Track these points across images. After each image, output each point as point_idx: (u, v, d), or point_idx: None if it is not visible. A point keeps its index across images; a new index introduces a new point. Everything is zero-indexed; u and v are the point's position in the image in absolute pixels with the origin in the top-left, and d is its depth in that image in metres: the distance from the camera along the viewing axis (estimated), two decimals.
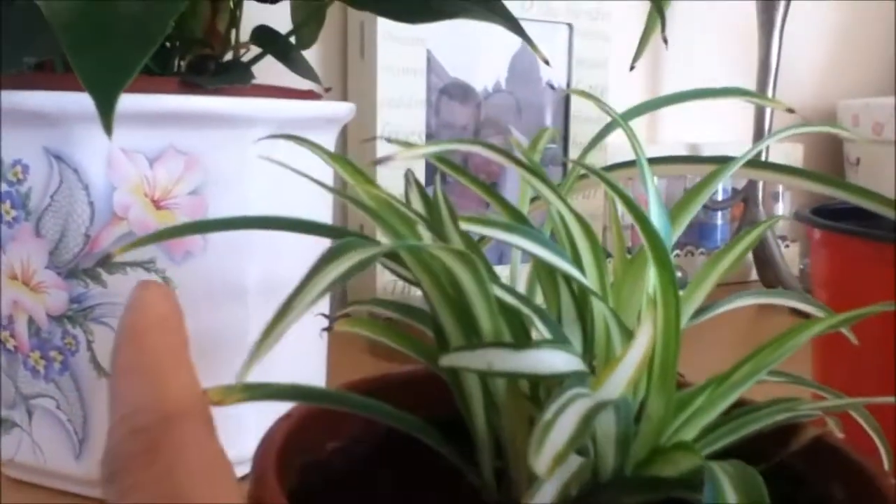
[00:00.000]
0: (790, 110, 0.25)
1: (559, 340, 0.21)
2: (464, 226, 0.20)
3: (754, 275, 0.85)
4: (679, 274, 0.84)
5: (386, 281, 0.69)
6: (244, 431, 0.32)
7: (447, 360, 0.19)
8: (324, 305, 0.47)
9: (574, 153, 0.75)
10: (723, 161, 0.25)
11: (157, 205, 0.36)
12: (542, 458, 0.14)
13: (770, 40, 0.82)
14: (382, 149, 0.66)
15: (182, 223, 0.18)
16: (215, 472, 0.16)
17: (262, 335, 0.15)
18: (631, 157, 0.25)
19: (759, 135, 0.85)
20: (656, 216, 0.22)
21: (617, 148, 0.74)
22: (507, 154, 0.22)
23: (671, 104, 0.26)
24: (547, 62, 0.35)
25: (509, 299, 0.21)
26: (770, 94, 0.83)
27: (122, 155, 0.35)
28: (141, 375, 0.17)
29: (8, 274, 0.37)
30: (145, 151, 0.35)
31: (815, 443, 0.23)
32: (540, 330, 0.21)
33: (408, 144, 0.22)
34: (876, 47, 1.08)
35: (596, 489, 0.20)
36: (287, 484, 0.21)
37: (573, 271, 0.20)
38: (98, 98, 0.23)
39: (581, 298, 0.21)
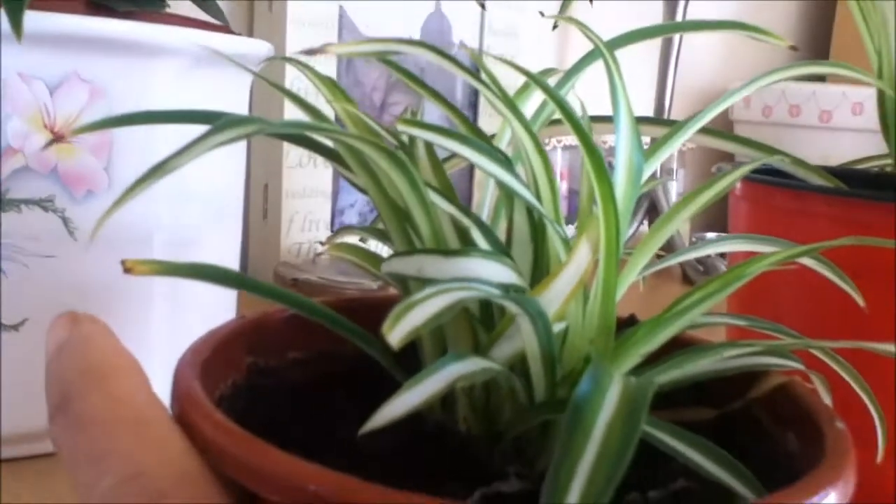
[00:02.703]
0: (793, 47, 0.25)
1: (497, 252, 0.20)
2: (402, 128, 0.19)
3: None
4: None
5: (290, 244, 0.67)
6: None
7: (386, 266, 0.19)
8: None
9: (484, 119, 0.75)
10: (672, 124, 0.26)
11: (56, 137, 0.33)
12: (397, 331, 0.15)
13: (674, 15, 0.84)
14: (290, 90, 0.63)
15: (94, 120, 0.17)
16: None
17: (132, 185, 0.16)
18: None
19: (659, 114, 0.87)
20: (632, 146, 0.21)
21: None
22: (459, 63, 0.21)
23: (666, 34, 0.26)
24: (482, 6, 0.34)
25: (446, 207, 0.20)
26: (672, 71, 0.85)
27: (18, 80, 0.32)
28: (129, 429, 0.17)
29: None
30: (45, 78, 0.32)
31: (778, 391, 0.22)
32: (476, 241, 0.20)
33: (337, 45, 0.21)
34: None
35: (530, 410, 0.20)
36: (230, 377, 0.21)
37: (519, 186, 0.19)
38: None
39: (537, 223, 0.21)
